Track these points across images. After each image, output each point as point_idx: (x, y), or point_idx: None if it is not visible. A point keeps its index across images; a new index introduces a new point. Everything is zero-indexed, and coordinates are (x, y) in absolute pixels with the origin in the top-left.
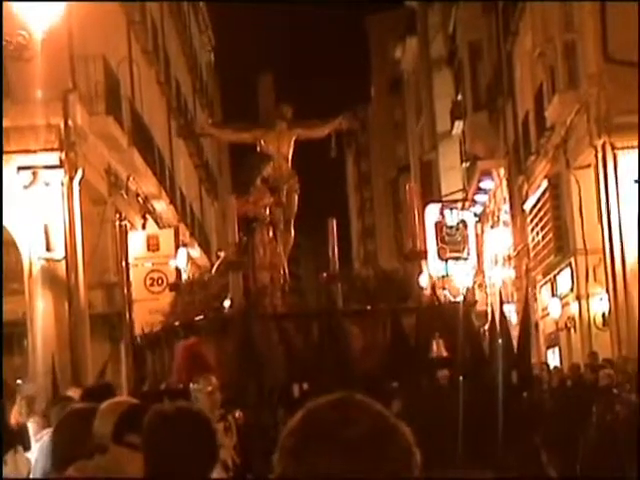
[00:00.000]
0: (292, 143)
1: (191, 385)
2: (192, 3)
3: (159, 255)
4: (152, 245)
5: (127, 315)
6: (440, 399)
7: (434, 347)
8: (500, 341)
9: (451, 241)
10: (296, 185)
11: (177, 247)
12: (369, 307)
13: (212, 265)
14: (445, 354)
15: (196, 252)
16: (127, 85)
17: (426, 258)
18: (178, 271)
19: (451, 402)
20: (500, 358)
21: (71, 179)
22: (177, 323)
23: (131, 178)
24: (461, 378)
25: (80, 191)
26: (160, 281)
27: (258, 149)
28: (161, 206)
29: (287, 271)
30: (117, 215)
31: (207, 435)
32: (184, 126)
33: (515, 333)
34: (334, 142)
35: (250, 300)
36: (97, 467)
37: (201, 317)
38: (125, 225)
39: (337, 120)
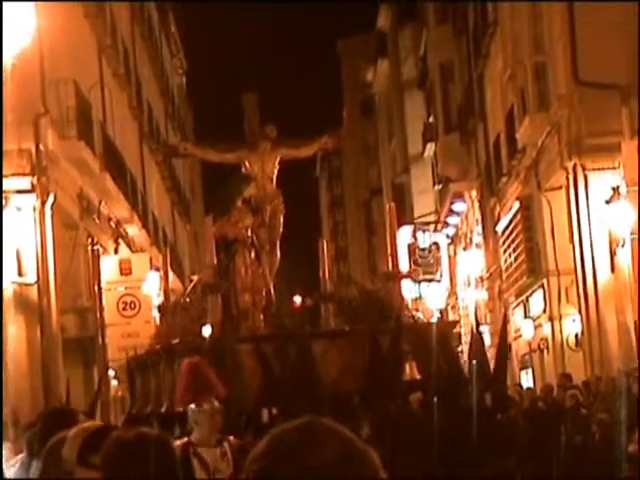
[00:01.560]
0: (276, 163)
1: (191, 406)
2: (163, 28)
3: (131, 279)
4: (124, 269)
5: (100, 339)
6: (412, 422)
7: (407, 370)
8: (475, 362)
9: (424, 263)
10: (281, 205)
11: (165, 271)
12: (347, 328)
13: (185, 289)
14: (418, 377)
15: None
16: (99, 109)
17: (407, 278)
18: (166, 293)
19: (425, 425)
20: (475, 380)
21: (43, 204)
22: (158, 346)
23: (103, 202)
24: (435, 400)
25: (52, 216)
26: (133, 305)
27: (243, 169)
28: (133, 230)
29: (273, 293)
30: (89, 239)
31: (166, 460)
32: (168, 147)
33: (490, 355)
34: (319, 162)
35: (227, 323)
36: None
37: (177, 341)
38: (97, 249)
39: (323, 139)
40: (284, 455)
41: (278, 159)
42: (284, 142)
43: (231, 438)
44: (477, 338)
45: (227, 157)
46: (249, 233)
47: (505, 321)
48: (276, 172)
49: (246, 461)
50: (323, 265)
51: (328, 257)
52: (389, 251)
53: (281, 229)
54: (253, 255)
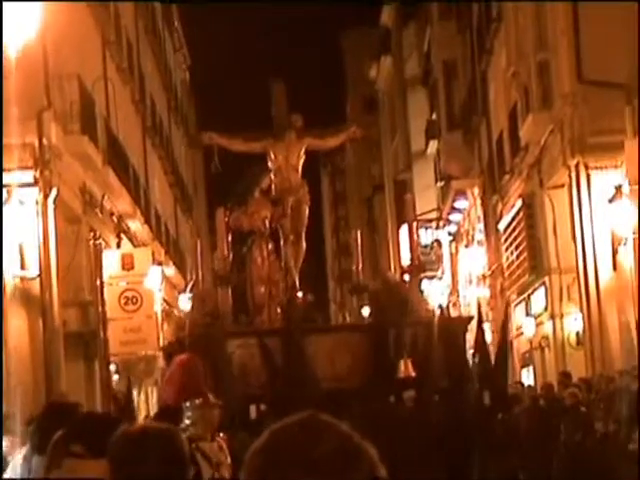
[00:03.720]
0: (302, 153)
1: (186, 403)
2: (167, 23)
3: (134, 274)
4: (127, 264)
5: (101, 334)
6: (399, 421)
7: (402, 367)
8: (477, 360)
9: (425, 260)
10: (306, 196)
11: (195, 257)
12: (345, 323)
13: (186, 284)
14: (413, 374)
15: (171, 271)
16: (102, 104)
17: (424, 272)
18: (196, 282)
19: (417, 423)
20: (477, 377)
21: (46, 197)
22: (173, 339)
23: (106, 197)
24: (435, 397)
25: (55, 210)
26: (135, 300)
27: (268, 162)
28: (136, 225)
29: (298, 285)
30: (92, 234)
31: (175, 454)
32: (193, 137)
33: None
34: (349, 151)
35: (218, 318)
36: None
37: (184, 334)
38: (100, 244)
39: (351, 129)
40: (284, 450)
41: (304, 149)
42: (310, 132)
43: (220, 433)
44: (480, 336)
45: (253, 146)
46: (266, 224)
47: (506, 318)
48: (301, 162)
49: (247, 455)
50: (357, 257)
51: (315, 254)
52: (410, 245)
53: (306, 220)
54: (271, 247)
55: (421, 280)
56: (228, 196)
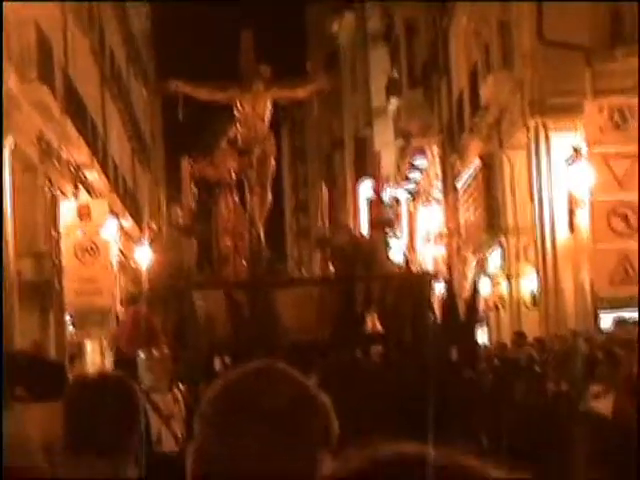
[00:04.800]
0: (269, 103)
1: (140, 354)
2: None
3: (90, 225)
4: (83, 214)
5: (57, 284)
6: (364, 375)
7: (368, 322)
8: (446, 315)
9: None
10: (272, 147)
11: (156, 208)
12: (311, 276)
13: (143, 236)
14: (380, 329)
15: (127, 222)
16: (60, 52)
17: (393, 226)
18: (156, 233)
19: (382, 378)
20: (445, 333)
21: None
22: (133, 290)
23: (63, 147)
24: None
25: (11, 159)
26: (91, 251)
27: (235, 110)
28: (93, 175)
29: (262, 237)
30: (48, 183)
31: (128, 402)
32: (160, 84)
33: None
34: (316, 103)
35: (173, 271)
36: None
37: (145, 286)
38: (56, 194)
39: (320, 80)
40: (238, 398)
41: (271, 99)
42: (278, 82)
43: (180, 385)
44: (449, 292)
45: (218, 96)
46: (233, 175)
47: (476, 276)
48: (268, 113)
49: (201, 403)
50: (323, 211)
51: (274, 211)
52: (375, 200)
53: (272, 171)
54: (237, 198)
55: (387, 235)
56: (193, 146)
